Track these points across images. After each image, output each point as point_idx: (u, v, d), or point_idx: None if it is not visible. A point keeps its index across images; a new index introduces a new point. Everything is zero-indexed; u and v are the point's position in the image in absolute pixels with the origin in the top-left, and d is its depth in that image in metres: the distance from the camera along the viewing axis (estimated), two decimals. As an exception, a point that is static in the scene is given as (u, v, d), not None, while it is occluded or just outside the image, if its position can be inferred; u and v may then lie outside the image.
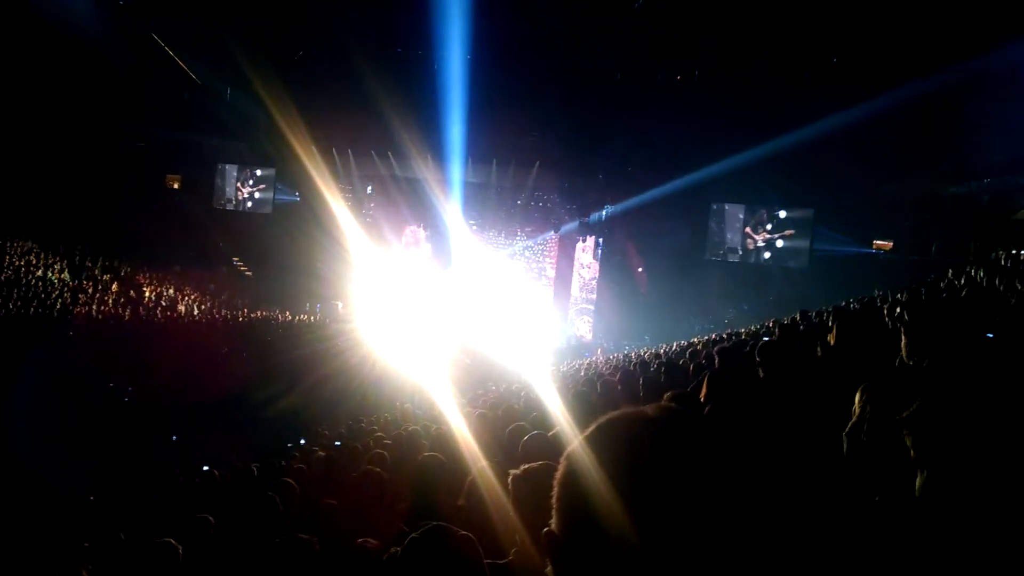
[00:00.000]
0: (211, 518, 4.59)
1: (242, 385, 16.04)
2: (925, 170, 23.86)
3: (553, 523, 0.86)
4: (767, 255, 29.68)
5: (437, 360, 17.86)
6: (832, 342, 4.23)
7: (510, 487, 2.42)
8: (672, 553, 0.75)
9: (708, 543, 0.75)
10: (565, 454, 0.87)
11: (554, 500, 0.87)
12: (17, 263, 23.77)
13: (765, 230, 29.67)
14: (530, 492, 2.29)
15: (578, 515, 0.81)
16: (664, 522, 0.75)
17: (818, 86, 22.93)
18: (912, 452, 1.76)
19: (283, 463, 8.57)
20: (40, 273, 24.01)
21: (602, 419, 0.87)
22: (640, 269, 31.08)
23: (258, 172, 34.60)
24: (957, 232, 22.42)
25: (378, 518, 3.75)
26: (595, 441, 0.84)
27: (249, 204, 34.87)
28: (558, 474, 0.87)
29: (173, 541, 3.71)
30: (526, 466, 2.41)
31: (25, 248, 25.09)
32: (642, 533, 0.75)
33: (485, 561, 2.11)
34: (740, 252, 30.16)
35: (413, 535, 2.04)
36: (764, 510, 0.79)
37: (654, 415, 0.85)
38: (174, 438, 13.86)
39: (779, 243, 29.36)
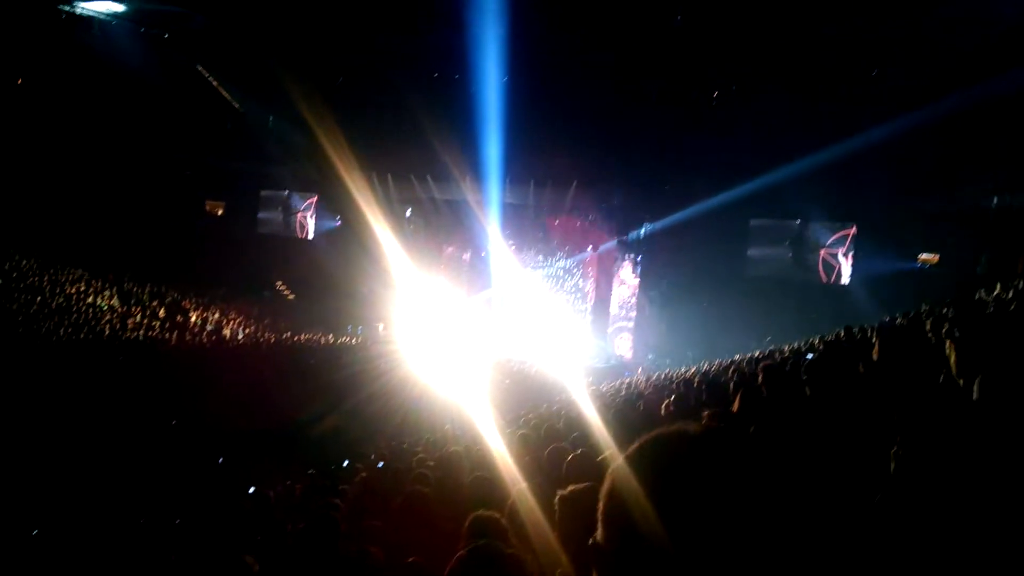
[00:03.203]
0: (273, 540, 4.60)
1: (286, 407, 16.16)
2: (970, 182, 23.34)
3: (599, 535, 0.90)
4: (808, 271, 29.29)
5: (477, 381, 17.84)
6: (875, 358, 4.20)
7: (556, 507, 2.42)
8: (713, 568, 0.78)
9: (748, 557, 0.79)
10: (611, 470, 0.91)
11: (600, 514, 0.91)
12: (69, 290, 24.38)
13: (806, 246, 29.31)
14: (576, 514, 2.29)
15: (623, 529, 0.85)
16: (704, 537, 0.78)
17: (859, 98, 22.64)
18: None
19: (328, 483, 8.65)
20: (90, 300, 24.58)
21: (646, 436, 0.91)
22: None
23: (300, 198, 35.24)
24: (1005, 245, 21.86)
25: (425, 537, 3.78)
26: (639, 457, 0.88)
27: (291, 229, 35.49)
28: (604, 488, 0.91)
29: (250, 558, 3.51)
30: (573, 487, 2.41)
31: (76, 276, 25.74)
32: (683, 547, 0.78)
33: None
34: (781, 268, 29.78)
35: (462, 553, 2.08)
36: (804, 525, 0.82)
37: (696, 433, 0.88)
38: (220, 460, 14.00)
39: (821, 259, 28.96)
